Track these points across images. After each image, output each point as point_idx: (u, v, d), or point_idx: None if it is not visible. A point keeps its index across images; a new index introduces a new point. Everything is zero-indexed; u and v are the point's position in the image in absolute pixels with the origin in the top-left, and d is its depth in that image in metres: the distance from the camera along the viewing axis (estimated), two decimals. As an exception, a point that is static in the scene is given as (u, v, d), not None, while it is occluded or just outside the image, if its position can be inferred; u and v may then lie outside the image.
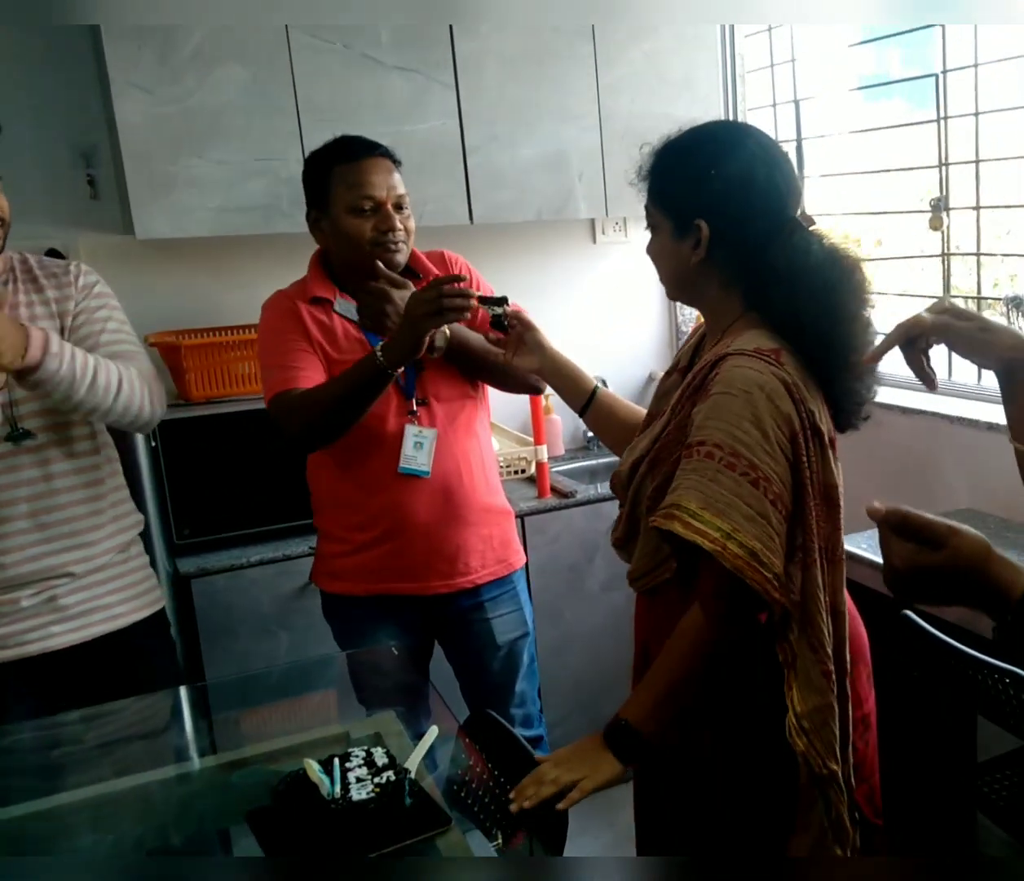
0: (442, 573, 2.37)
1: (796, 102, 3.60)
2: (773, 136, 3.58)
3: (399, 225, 2.27)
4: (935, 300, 1.57)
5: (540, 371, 2.05)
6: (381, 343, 2.14)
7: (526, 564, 3.07)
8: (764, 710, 1.64)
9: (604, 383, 3.64)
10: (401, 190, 2.29)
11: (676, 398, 1.68)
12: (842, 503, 1.63)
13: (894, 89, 3.65)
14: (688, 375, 1.69)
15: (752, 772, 1.68)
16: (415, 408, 2.32)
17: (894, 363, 2.65)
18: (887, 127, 3.38)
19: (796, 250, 1.59)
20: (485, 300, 2.08)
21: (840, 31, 3.55)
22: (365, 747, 1.73)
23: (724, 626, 1.57)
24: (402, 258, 2.31)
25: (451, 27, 3.11)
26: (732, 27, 3.77)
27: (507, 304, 2.06)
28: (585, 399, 2.00)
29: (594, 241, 3.81)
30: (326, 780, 1.62)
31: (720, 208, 1.59)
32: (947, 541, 1.13)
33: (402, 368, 2.18)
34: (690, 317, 3.86)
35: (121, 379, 2.08)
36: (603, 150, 3.37)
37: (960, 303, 1.53)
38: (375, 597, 2.36)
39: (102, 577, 2.14)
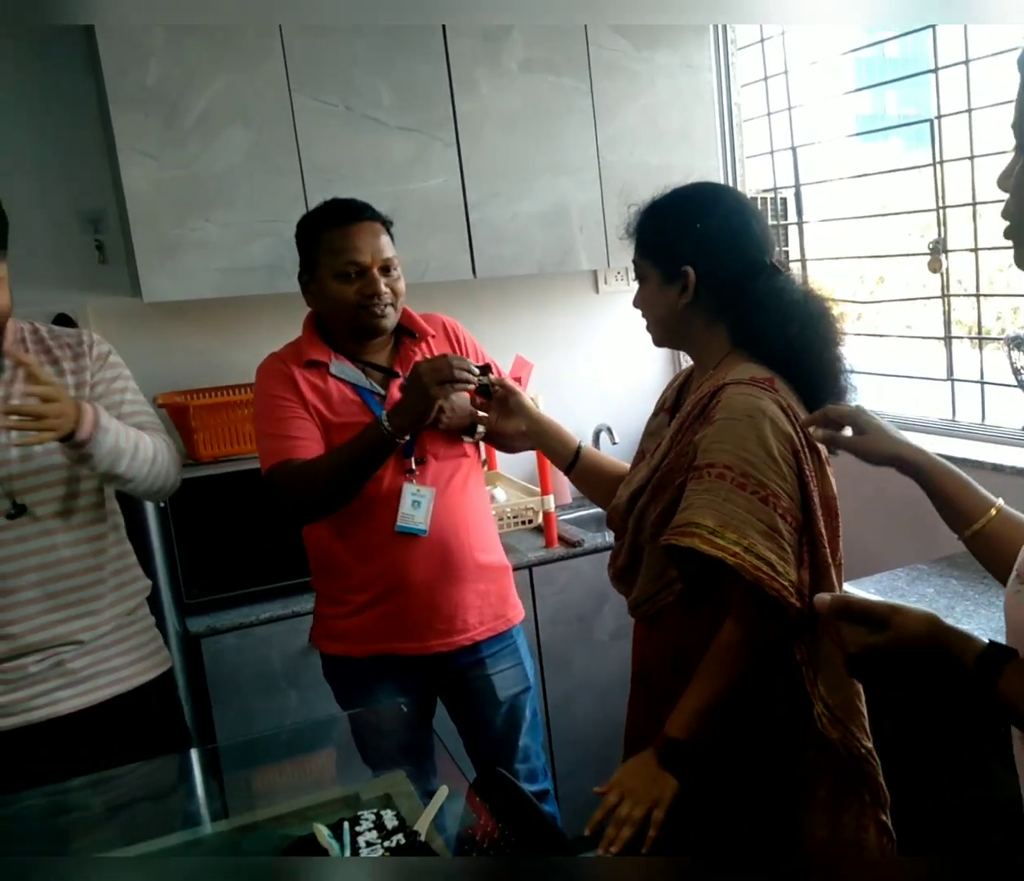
0: (440, 632, 2.33)
1: (793, 149, 3.59)
2: (771, 183, 3.63)
3: (384, 289, 2.26)
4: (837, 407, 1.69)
5: (525, 433, 2.12)
6: (385, 412, 2.14)
7: (534, 615, 3.05)
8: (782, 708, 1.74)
9: (610, 431, 3.65)
10: (388, 253, 2.28)
11: (675, 428, 1.77)
12: (840, 512, 1.76)
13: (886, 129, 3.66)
14: (686, 407, 1.79)
15: (765, 768, 1.76)
16: (413, 467, 2.30)
17: (897, 406, 2.62)
18: (885, 171, 3.37)
19: (780, 289, 1.75)
20: (480, 370, 2.12)
21: (836, 74, 3.56)
22: (375, 810, 1.71)
23: (754, 634, 1.66)
24: (389, 322, 2.30)
25: (451, 87, 3.12)
26: (728, 78, 3.78)
27: (491, 372, 2.13)
28: (571, 457, 2.09)
29: (597, 291, 3.81)
30: (335, 845, 1.60)
31: (703, 255, 1.74)
32: (890, 620, 1.18)
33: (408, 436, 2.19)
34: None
35: (156, 451, 2.10)
36: (603, 202, 3.36)
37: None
38: (375, 657, 2.33)
39: (108, 641, 2.11)
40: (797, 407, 1.69)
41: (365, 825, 1.67)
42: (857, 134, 3.74)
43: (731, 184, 3.78)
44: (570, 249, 3.35)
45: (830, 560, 1.69)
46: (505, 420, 2.14)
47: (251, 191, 2.92)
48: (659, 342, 1.90)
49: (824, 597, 1.25)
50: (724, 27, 3.75)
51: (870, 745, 1.73)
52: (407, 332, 2.39)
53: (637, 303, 1.86)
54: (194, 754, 2.13)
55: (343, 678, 2.41)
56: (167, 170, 2.81)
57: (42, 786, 1.97)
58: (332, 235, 2.25)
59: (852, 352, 1.81)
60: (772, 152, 3.71)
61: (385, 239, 2.29)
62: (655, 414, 1.99)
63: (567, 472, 2.11)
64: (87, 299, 3.09)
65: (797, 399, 1.72)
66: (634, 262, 1.84)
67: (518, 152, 3.24)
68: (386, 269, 2.27)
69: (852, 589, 2.49)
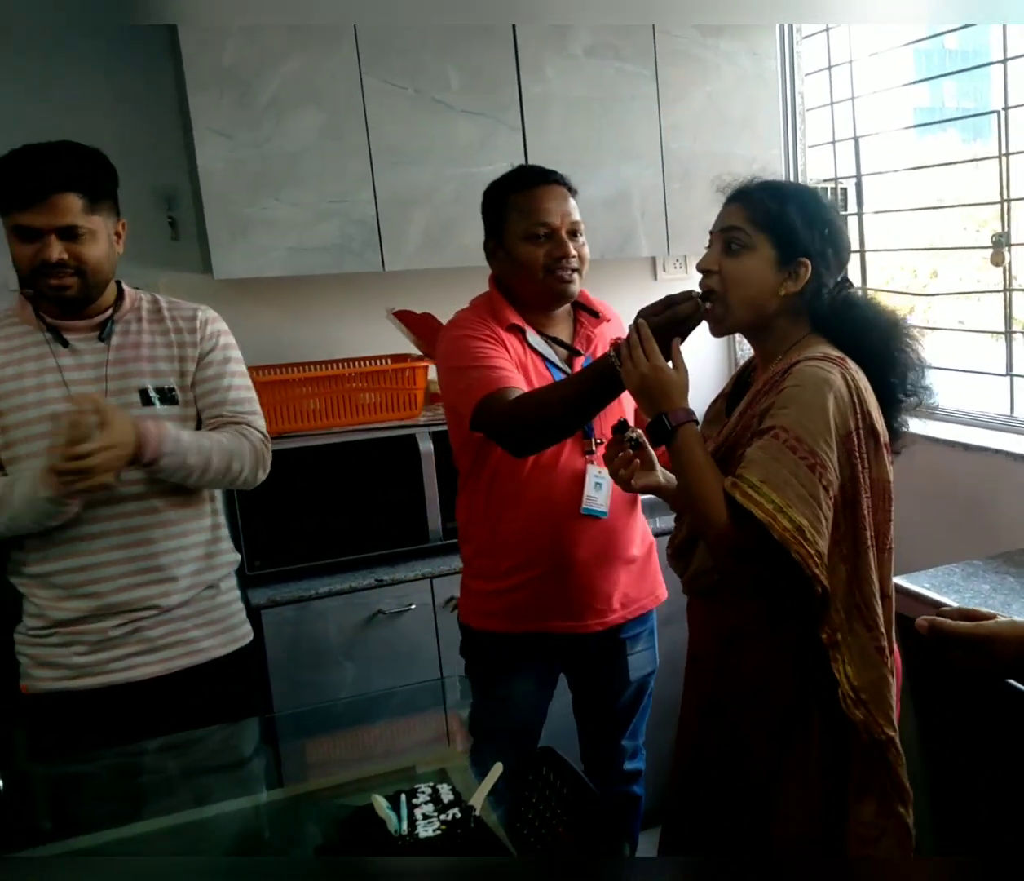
0: (597, 611, 2.30)
1: (856, 139, 3.52)
2: (832, 173, 3.56)
3: (573, 252, 2.21)
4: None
5: (661, 489, 1.99)
6: (614, 350, 1.93)
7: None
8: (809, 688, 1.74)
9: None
10: (576, 217, 2.25)
11: (744, 405, 1.79)
12: (893, 498, 1.75)
13: (950, 122, 3.57)
14: (756, 385, 1.80)
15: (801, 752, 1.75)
16: (594, 448, 2.25)
17: (955, 399, 2.57)
18: (947, 163, 3.29)
19: (858, 297, 1.83)
20: (617, 428, 1.96)
21: (897, 65, 3.47)
22: (431, 783, 1.71)
23: (732, 565, 1.69)
24: (576, 287, 2.26)
25: (518, 71, 3.09)
26: (792, 67, 3.70)
27: (629, 426, 1.97)
28: None
29: (655, 278, 3.75)
30: (393, 816, 1.60)
31: (822, 253, 1.75)
32: (991, 651, 1.25)
33: None
34: (749, 352, 3.79)
35: (232, 460, 2.12)
36: (665, 188, 3.31)
37: None
38: (526, 635, 2.29)
39: (188, 611, 2.14)
40: (864, 389, 1.69)
41: (422, 798, 1.67)
42: (917, 126, 3.65)
43: (793, 173, 3.71)
44: (631, 235, 3.31)
45: (869, 544, 1.68)
46: (642, 477, 1.98)
47: (321, 171, 2.90)
48: (729, 321, 1.83)
49: (922, 623, 1.33)
50: (790, 16, 3.68)
51: (893, 734, 1.72)
52: (584, 309, 2.35)
53: (715, 267, 1.78)
54: (255, 723, 2.13)
55: (487, 654, 2.36)
56: (240, 149, 2.81)
57: (114, 747, 2.01)
58: (521, 197, 2.22)
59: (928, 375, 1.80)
60: (834, 142, 3.63)
61: (573, 203, 2.25)
62: (714, 402, 1.98)
63: None
64: (159, 275, 3.09)
65: (867, 384, 1.71)
66: (737, 229, 1.76)
67: (582, 137, 3.19)
68: (574, 233, 2.23)
69: (906, 583, 2.44)
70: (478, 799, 1.66)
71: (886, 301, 1.88)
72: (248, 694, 2.26)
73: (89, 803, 1.91)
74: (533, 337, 2.26)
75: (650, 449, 1.98)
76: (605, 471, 2.19)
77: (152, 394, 2.08)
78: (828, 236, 1.76)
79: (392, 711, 2.25)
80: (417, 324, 3.05)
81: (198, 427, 2.16)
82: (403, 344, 3.17)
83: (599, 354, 2.27)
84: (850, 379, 1.67)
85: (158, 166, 3.07)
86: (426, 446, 2.92)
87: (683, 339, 1.88)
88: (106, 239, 2.04)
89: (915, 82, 3.46)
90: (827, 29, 3.57)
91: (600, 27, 3.16)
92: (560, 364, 2.27)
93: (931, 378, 1.79)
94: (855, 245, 3.56)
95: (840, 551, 1.67)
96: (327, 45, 2.87)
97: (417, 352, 3.15)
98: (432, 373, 3.17)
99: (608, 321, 2.37)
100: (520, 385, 2.13)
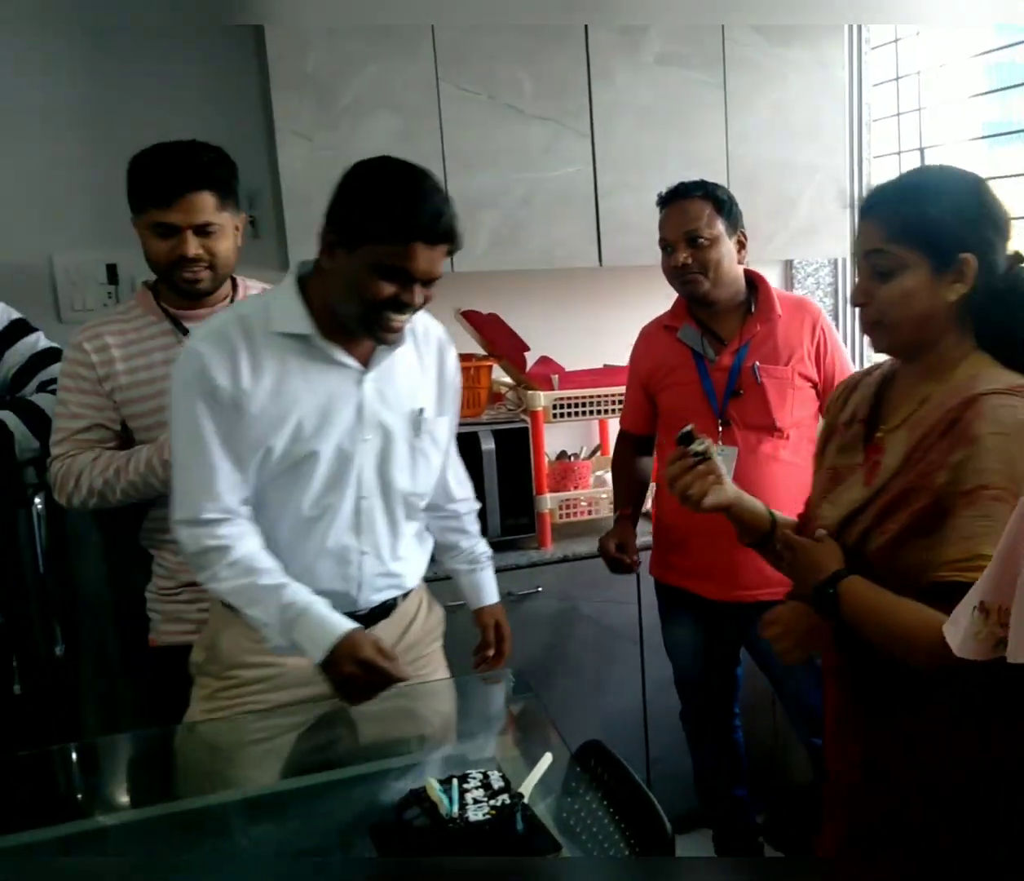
0: (721, 582, 2.45)
1: (921, 150, 3.45)
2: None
3: (683, 260, 2.35)
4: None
5: (732, 507, 1.73)
6: None
7: (638, 597, 3.05)
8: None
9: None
10: (693, 226, 2.34)
11: (913, 444, 1.49)
12: None
13: (1019, 134, 3.47)
14: (924, 420, 1.50)
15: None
16: (719, 427, 2.37)
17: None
18: (1017, 174, 3.21)
19: None
20: (682, 439, 1.69)
21: (965, 78, 3.39)
22: (483, 770, 1.72)
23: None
24: (702, 288, 2.42)
25: (589, 78, 3.08)
26: (860, 77, 3.63)
27: (696, 436, 1.69)
28: (765, 530, 1.76)
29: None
30: (445, 799, 1.61)
31: (982, 237, 1.49)
32: None
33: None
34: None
35: None
36: (729, 196, 3.28)
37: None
38: (675, 590, 2.58)
39: None
40: None
41: (473, 783, 1.68)
42: (984, 137, 3.56)
43: (857, 184, 3.64)
44: (695, 241, 3.27)
45: None
46: (715, 495, 1.68)
47: (395, 175, 2.92)
48: (896, 347, 1.58)
49: None
50: (859, 26, 3.61)
51: None
52: (750, 303, 2.47)
53: (867, 298, 1.54)
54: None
55: (664, 602, 2.68)
56: (319, 151, 2.84)
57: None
58: (662, 214, 2.45)
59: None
60: (900, 153, 3.57)
61: (696, 210, 2.35)
62: (848, 424, 1.68)
63: (761, 546, 1.78)
64: (238, 271, 3.13)
65: None
66: (879, 251, 1.51)
67: (649, 144, 3.18)
68: (693, 240, 2.34)
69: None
70: (527, 787, 1.68)
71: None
72: None
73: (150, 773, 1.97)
74: (684, 332, 2.47)
75: (719, 463, 1.70)
76: (728, 449, 2.35)
77: None
78: (983, 216, 1.50)
79: (445, 700, 2.23)
80: (483, 324, 3.07)
81: None
82: (469, 344, 3.18)
83: (755, 349, 2.42)
84: None
85: (241, 167, 3.10)
86: (488, 445, 2.88)
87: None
88: (232, 234, 2.13)
89: (985, 93, 3.38)
90: (896, 40, 3.50)
91: (670, 35, 3.14)
92: (705, 353, 2.43)
93: None
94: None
95: None
96: (405, 52, 2.89)
97: (482, 352, 3.16)
98: (496, 372, 3.19)
99: (779, 317, 2.44)
100: (633, 423, 2.68)
